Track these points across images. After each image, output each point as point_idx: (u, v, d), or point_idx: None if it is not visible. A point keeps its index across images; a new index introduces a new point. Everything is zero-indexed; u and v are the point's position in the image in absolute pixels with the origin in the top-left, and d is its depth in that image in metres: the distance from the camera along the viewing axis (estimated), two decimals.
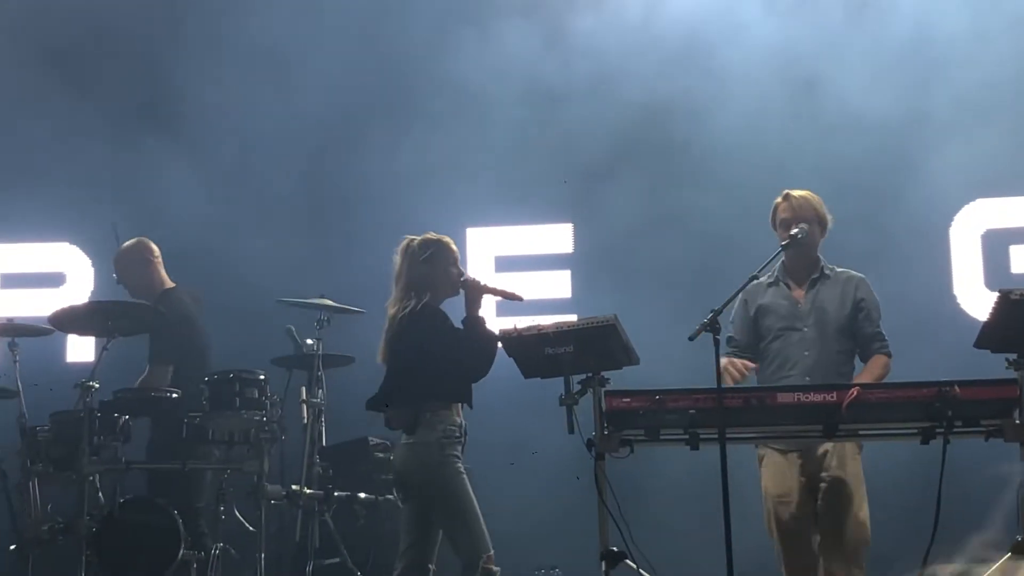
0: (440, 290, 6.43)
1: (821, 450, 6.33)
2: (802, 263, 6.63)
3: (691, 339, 5.68)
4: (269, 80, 9.96)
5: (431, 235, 6.52)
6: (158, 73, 10.10)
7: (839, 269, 6.68)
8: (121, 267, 8.26)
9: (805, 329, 6.51)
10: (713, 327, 5.64)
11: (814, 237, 6.58)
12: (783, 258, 6.55)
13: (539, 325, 5.85)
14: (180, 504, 7.54)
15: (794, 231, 6.43)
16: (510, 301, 6.54)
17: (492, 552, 6.13)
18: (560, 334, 5.74)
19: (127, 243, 8.31)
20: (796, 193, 6.63)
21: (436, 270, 6.40)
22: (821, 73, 9.56)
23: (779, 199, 6.65)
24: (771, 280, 6.65)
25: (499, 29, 9.79)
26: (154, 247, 8.26)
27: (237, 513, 7.90)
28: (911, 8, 9.59)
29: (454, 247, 6.50)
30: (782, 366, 6.49)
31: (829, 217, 6.66)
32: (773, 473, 6.43)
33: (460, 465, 6.24)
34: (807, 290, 6.60)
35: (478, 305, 6.36)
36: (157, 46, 10.18)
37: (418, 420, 6.21)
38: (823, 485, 6.33)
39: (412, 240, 6.49)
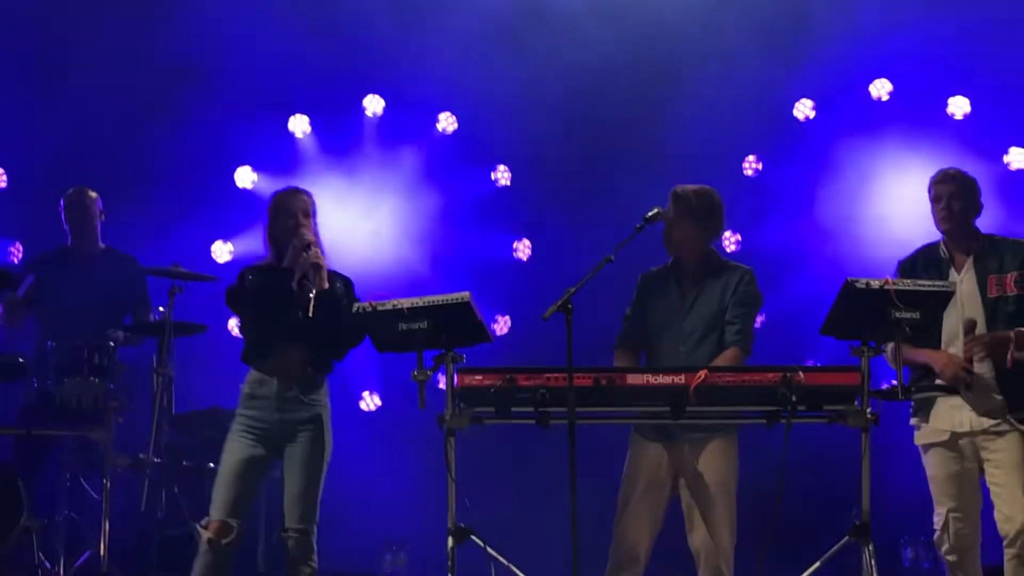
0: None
1: (690, 443, 6.20)
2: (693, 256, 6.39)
3: (544, 319, 5.73)
4: None
5: None
6: None
7: (731, 264, 6.47)
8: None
9: (684, 324, 6.35)
10: (566, 307, 5.68)
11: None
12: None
13: (394, 301, 5.82)
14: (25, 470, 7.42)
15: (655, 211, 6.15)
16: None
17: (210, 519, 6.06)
18: (414, 310, 5.73)
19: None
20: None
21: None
22: None
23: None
24: (663, 272, 6.49)
25: None
26: None
27: (82, 481, 7.79)
28: None
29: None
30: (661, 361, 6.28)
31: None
32: (639, 462, 6.27)
33: (234, 425, 6.21)
34: (695, 284, 6.39)
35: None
36: None
37: None
38: (688, 480, 6.21)
39: None
